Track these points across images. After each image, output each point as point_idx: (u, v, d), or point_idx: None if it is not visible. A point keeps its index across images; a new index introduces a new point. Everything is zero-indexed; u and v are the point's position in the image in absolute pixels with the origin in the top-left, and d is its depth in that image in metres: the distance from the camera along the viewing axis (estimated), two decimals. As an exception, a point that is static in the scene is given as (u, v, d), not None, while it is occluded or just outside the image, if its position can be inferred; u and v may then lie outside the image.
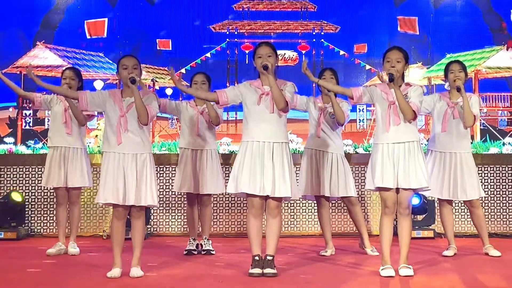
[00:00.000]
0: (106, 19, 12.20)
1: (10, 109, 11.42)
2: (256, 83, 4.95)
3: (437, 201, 6.33)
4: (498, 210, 7.63)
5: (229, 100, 4.95)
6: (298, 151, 8.21)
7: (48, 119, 6.20)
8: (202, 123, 6.00)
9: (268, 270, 4.76)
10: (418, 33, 12.41)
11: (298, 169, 7.43)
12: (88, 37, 12.16)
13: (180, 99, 13.47)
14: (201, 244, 6.08)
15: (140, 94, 4.74)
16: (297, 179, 6.04)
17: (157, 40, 12.45)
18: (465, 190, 5.79)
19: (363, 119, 12.26)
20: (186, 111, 6.05)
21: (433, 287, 4.43)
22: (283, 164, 4.81)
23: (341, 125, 5.95)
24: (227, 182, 5.00)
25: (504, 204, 7.65)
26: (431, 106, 5.93)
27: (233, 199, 7.59)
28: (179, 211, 7.62)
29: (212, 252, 6.03)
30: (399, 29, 12.33)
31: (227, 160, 7.39)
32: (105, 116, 4.90)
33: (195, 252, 6.02)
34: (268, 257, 4.81)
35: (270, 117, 4.84)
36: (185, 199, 6.83)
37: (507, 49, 11.39)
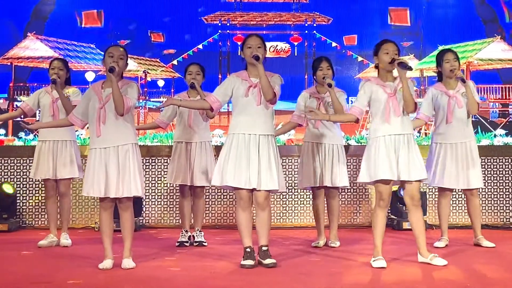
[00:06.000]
0: (101, 11, 12.17)
1: (1, 101, 11.37)
2: (243, 75, 4.90)
3: (429, 192, 6.35)
4: (490, 202, 7.66)
5: (222, 102, 4.91)
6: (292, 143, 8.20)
7: (39, 110, 6.15)
8: (195, 114, 5.98)
9: (268, 261, 4.74)
10: (409, 24, 12.43)
11: (290, 161, 7.44)
12: (84, 25, 12.08)
13: (172, 90, 13.44)
14: (193, 236, 6.08)
15: (118, 84, 4.67)
16: (296, 171, 6.02)
17: (150, 33, 12.42)
18: (478, 178, 5.83)
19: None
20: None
21: (423, 278, 4.44)
22: (269, 157, 4.77)
23: None
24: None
25: (495, 196, 7.68)
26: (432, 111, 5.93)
27: (225, 191, 7.58)
28: (171, 202, 7.61)
29: (204, 243, 6.03)
30: (389, 22, 12.34)
31: (219, 152, 7.36)
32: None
33: (187, 244, 6.02)
34: (263, 248, 4.81)
35: (257, 110, 4.81)
36: (178, 191, 6.82)
37: None
